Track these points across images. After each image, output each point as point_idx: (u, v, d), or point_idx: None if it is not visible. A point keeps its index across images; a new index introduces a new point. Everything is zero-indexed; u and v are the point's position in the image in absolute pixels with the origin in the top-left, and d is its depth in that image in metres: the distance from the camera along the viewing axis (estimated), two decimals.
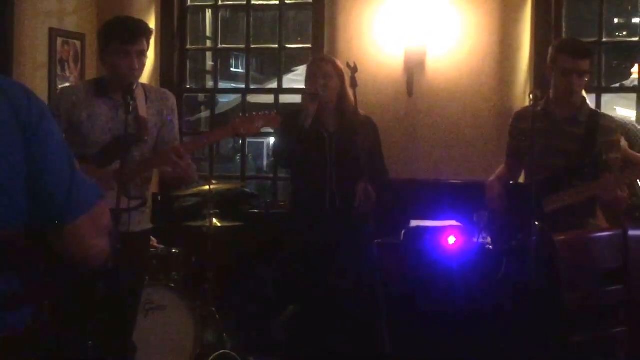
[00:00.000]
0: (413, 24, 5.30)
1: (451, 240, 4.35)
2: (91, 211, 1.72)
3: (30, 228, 1.67)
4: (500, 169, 4.27)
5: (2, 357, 1.64)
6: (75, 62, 5.52)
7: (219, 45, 6.31)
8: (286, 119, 4.11)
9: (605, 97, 5.62)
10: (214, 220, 4.83)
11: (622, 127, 4.84)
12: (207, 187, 4.81)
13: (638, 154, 4.66)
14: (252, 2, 6.02)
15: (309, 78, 4.33)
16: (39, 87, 5.17)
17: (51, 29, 5.34)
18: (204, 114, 9.08)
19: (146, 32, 3.57)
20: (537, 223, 3.42)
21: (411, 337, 4.19)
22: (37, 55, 5.28)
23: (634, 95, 5.72)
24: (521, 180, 4.32)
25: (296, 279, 4.43)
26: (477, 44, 5.31)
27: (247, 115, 3.84)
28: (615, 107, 7.48)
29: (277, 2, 5.97)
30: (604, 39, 5.43)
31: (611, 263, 3.37)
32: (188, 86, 6.30)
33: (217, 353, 4.49)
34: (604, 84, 5.60)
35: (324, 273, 4.24)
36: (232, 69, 12.74)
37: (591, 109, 4.09)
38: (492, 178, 4.22)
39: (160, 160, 3.57)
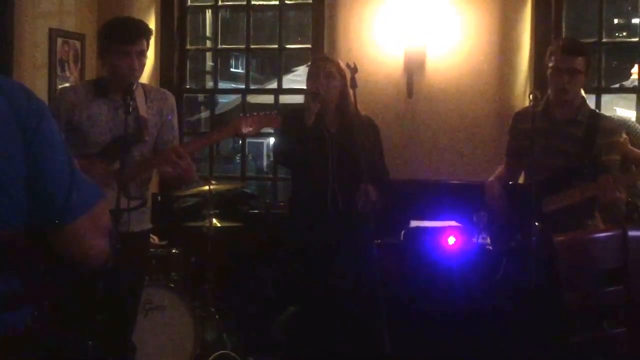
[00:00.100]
0: (413, 24, 5.30)
1: (451, 240, 4.35)
2: (91, 211, 1.72)
3: (30, 228, 1.67)
4: (499, 169, 4.27)
5: (2, 357, 1.64)
6: (75, 63, 5.52)
7: (219, 46, 6.31)
8: (287, 118, 4.11)
9: (605, 98, 5.62)
10: (214, 221, 4.83)
11: (623, 124, 4.85)
12: (206, 188, 4.81)
13: (636, 150, 4.67)
14: (252, 2, 6.02)
15: (311, 77, 4.32)
16: (39, 87, 5.17)
17: (51, 29, 5.33)
18: (204, 114, 9.07)
19: (146, 32, 3.58)
20: (537, 224, 3.43)
21: (411, 337, 4.19)
22: (37, 56, 5.27)
23: (633, 96, 5.72)
24: (520, 180, 4.32)
25: (296, 279, 4.42)
26: (477, 44, 5.31)
27: (247, 115, 3.84)
28: (615, 108, 7.48)
29: (277, 2, 5.97)
30: (604, 40, 5.43)
31: (611, 263, 3.37)
32: (188, 86, 6.30)
33: (217, 353, 4.49)
34: (603, 85, 5.60)
35: (323, 273, 4.24)
36: (232, 69, 12.74)
37: (591, 110, 4.09)
38: (491, 178, 4.22)
39: (160, 160, 3.58)
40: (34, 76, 5.23)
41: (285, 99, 6.20)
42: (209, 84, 7.19)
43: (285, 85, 6.22)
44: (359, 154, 3.97)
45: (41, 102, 1.73)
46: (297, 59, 7.75)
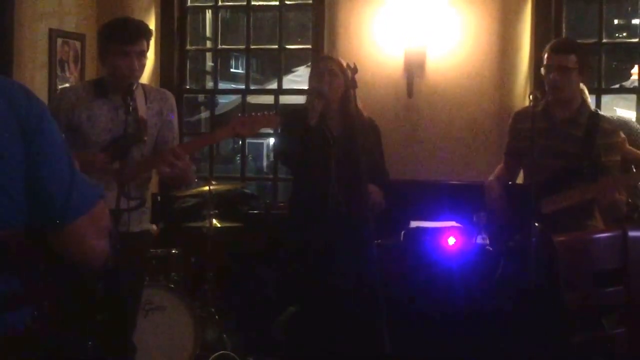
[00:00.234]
0: (413, 25, 5.29)
1: (451, 241, 4.35)
2: (91, 211, 1.72)
3: (30, 228, 1.68)
4: (498, 168, 4.27)
5: (2, 357, 1.64)
6: (75, 63, 5.53)
7: (219, 46, 6.31)
8: (288, 117, 4.10)
9: (605, 98, 5.62)
10: (214, 221, 4.83)
11: (624, 124, 4.85)
12: (206, 188, 4.82)
13: (636, 150, 4.67)
14: (252, 3, 6.02)
15: (314, 76, 4.31)
16: (39, 87, 5.17)
17: (51, 30, 5.33)
18: (204, 114, 9.09)
19: (146, 32, 3.58)
20: (536, 224, 3.42)
21: (411, 337, 4.18)
22: (37, 56, 5.27)
23: (633, 96, 5.72)
24: (519, 180, 4.32)
25: (296, 280, 4.42)
26: (477, 45, 5.31)
27: (246, 115, 3.84)
28: (615, 108, 7.48)
29: (277, 3, 5.97)
30: (604, 40, 5.43)
31: (611, 264, 3.37)
32: (188, 87, 6.30)
33: (217, 353, 4.49)
34: (603, 85, 5.60)
35: (324, 273, 4.24)
36: (232, 70, 12.75)
37: (591, 111, 4.09)
38: (491, 178, 4.22)
39: (158, 160, 3.58)
40: (34, 76, 5.23)
41: (285, 99, 6.20)
42: (209, 84, 7.20)
43: (285, 86, 6.22)
44: (360, 154, 3.96)
45: (41, 103, 1.73)
46: (297, 59, 7.77)
